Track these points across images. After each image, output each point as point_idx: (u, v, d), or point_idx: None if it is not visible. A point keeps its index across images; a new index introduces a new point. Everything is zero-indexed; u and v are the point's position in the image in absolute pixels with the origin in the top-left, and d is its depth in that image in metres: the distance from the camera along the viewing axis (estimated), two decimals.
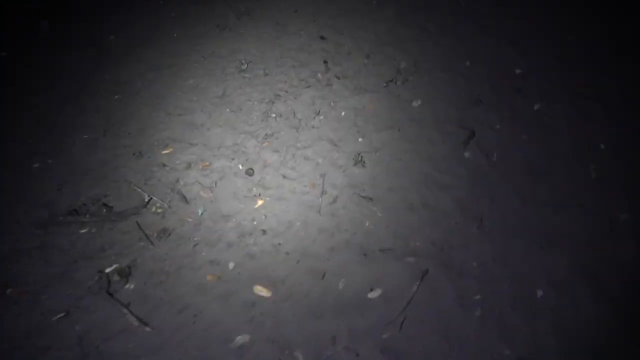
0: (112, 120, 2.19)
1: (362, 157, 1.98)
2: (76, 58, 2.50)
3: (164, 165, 2.02)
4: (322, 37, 2.51)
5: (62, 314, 1.57)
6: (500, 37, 2.43)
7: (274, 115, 2.18)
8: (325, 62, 2.38)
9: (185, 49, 2.51)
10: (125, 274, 1.68)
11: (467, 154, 1.97)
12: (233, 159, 2.02)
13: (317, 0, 2.74)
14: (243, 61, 2.42)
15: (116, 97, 2.30)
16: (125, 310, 1.57)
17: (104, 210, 1.87)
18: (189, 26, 2.63)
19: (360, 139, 2.05)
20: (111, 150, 2.08)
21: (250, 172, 1.97)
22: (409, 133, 2.06)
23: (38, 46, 2.58)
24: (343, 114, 2.16)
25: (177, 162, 2.03)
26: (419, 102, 2.18)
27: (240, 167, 2.00)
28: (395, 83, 2.26)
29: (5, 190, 1.93)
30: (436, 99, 2.18)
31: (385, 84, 2.26)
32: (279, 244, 1.75)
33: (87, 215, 1.85)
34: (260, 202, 1.87)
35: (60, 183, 1.98)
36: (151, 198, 1.90)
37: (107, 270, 1.68)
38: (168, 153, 2.06)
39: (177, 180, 1.96)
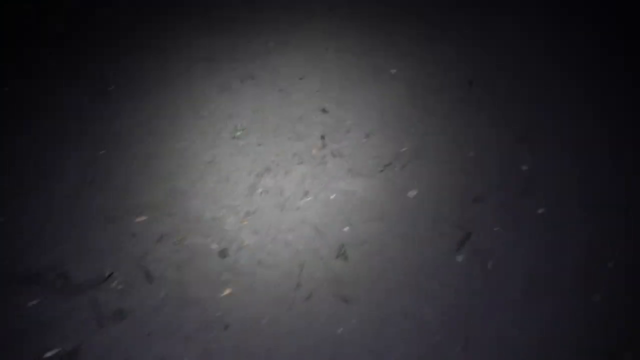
0: (92, 177, 2.09)
1: (345, 249, 1.83)
2: (75, 100, 2.44)
3: (134, 234, 1.89)
4: (323, 110, 2.42)
5: None
6: (511, 128, 2.31)
7: (260, 190, 2.05)
8: (322, 137, 2.28)
9: (182, 108, 2.43)
10: None
11: (460, 259, 1.81)
12: (208, 236, 1.89)
13: (325, 69, 2.67)
14: (238, 127, 2.32)
15: (102, 151, 2.20)
16: None
17: (61, 280, 1.74)
18: (191, 83, 2.57)
19: (346, 228, 1.91)
20: (83, 210, 1.96)
21: (223, 254, 1.83)
22: (400, 227, 1.91)
23: (37, 85, 2.53)
24: (332, 197, 2.02)
25: (150, 233, 1.90)
26: (415, 192, 2.03)
27: (215, 246, 1.86)
28: (393, 168, 2.13)
29: None
30: (434, 191, 2.04)
31: (381, 169, 2.13)
32: (241, 343, 1.58)
33: (40, 285, 1.71)
34: (228, 291, 1.72)
35: (22, 243, 1.86)
36: (112, 273, 1.76)
37: (47, 354, 1.53)
38: (142, 221, 1.94)
39: (145, 254, 1.83)
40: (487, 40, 2.86)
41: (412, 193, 2.03)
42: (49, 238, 1.86)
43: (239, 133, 2.28)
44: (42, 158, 2.16)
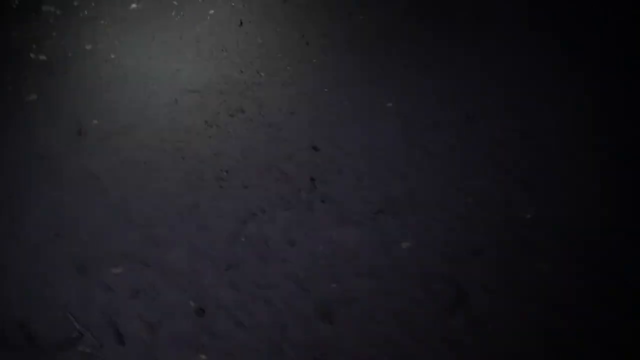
0: (66, 221, 1.98)
1: (331, 309, 1.71)
2: (51, 139, 2.34)
3: (109, 288, 1.78)
4: (314, 148, 2.30)
5: None
6: (514, 172, 2.17)
7: (243, 239, 1.94)
8: (312, 179, 2.16)
9: (165, 144, 2.32)
10: None
11: (453, 322, 1.67)
12: (186, 292, 1.77)
13: (318, 102, 2.56)
14: (224, 166, 2.21)
15: (79, 191, 2.10)
16: None
17: (24, 340, 1.62)
18: (176, 119, 2.46)
19: (334, 285, 1.78)
20: (54, 259, 1.86)
21: (200, 313, 1.71)
22: (390, 284, 1.78)
23: (20, 118, 2.44)
24: (320, 248, 1.90)
25: (125, 286, 1.79)
26: (408, 244, 1.91)
27: (192, 303, 1.74)
28: (386, 215, 2.00)
29: None
30: (428, 242, 1.91)
31: (373, 216, 2.00)
32: None
33: None
34: (203, 357, 1.60)
35: None
36: (82, 335, 1.64)
37: None
38: (117, 273, 1.83)
39: (119, 312, 1.71)
40: (489, 71, 2.73)
41: (405, 244, 1.91)
42: (15, 292, 1.75)
43: (224, 174, 2.17)
44: (13, 201, 2.05)
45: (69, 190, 2.10)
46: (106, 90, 2.61)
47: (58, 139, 2.33)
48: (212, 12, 3.17)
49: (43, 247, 1.89)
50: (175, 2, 3.25)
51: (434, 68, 2.78)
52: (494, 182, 2.13)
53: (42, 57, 2.83)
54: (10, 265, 1.84)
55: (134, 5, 3.22)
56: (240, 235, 1.94)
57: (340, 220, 1.99)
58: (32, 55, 2.83)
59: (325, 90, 2.64)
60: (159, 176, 2.16)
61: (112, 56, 2.85)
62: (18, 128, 2.37)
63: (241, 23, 3.05)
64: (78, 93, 2.60)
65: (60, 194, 2.08)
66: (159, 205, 2.05)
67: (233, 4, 3.23)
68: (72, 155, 2.25)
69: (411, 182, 2.14)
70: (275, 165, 2.22)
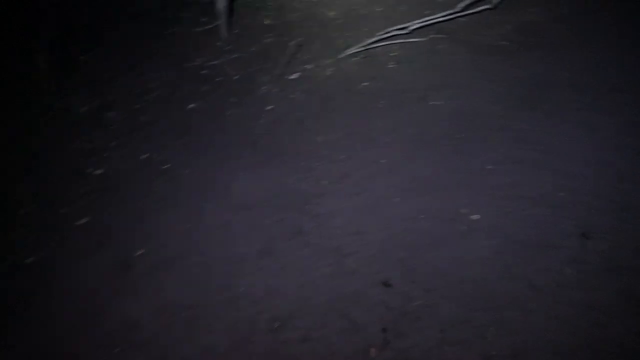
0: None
1: None
2: (95, 275, 2.14)
3: None
4: (385, 283, 1.91)
5: None
6: None
7: None
8: (384, 330, 1.75)
9: (213, 280, 2.04)
10: None
11: None
12: None
13: (391, 217, 2.17)
14: (278, 312, 1.87)
15: (118, 346, 1.84)
16: None
17: None
18: (226, 246, 2.18)
19: None
20: None
21: None
22: None
23: (68, 247, 2.29)
24: None
25: None
26: None
27: None
28: None
29: None
30: None
31: None
32: None
33: None
34: None
35: None
36: None
37: None
38: None
39: None
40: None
41: None
42: None
43: (277, 324, 1.82)
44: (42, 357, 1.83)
45: (108, 345, 1.85)
46: (156, 210, 2.41)
47: (102, 275, 2.13)
48: (269, 107, 2.95)
49: None
50: (233, 99, 3.08)
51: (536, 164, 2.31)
52: None
53: (99, 172, 2.73)
54: None
55: (191, 105, 3.10)
56: None
57: None
58: (89, 169, 2.74)
59: (397, 199, 2.25)
60: (205, 325, 1.87)
61: (166, 166, 2.68)
62: (63, 261, 2.22)
63: (302, 121, 2.78)
64: (128, 215, 2.42)
65: (99, 351, 1.84)
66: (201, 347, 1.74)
67: (292, 96, 2.99)
68: (114, 296, 2.03)
69: (522, 338, 1.64)
70: (339, 308, 1.84)
